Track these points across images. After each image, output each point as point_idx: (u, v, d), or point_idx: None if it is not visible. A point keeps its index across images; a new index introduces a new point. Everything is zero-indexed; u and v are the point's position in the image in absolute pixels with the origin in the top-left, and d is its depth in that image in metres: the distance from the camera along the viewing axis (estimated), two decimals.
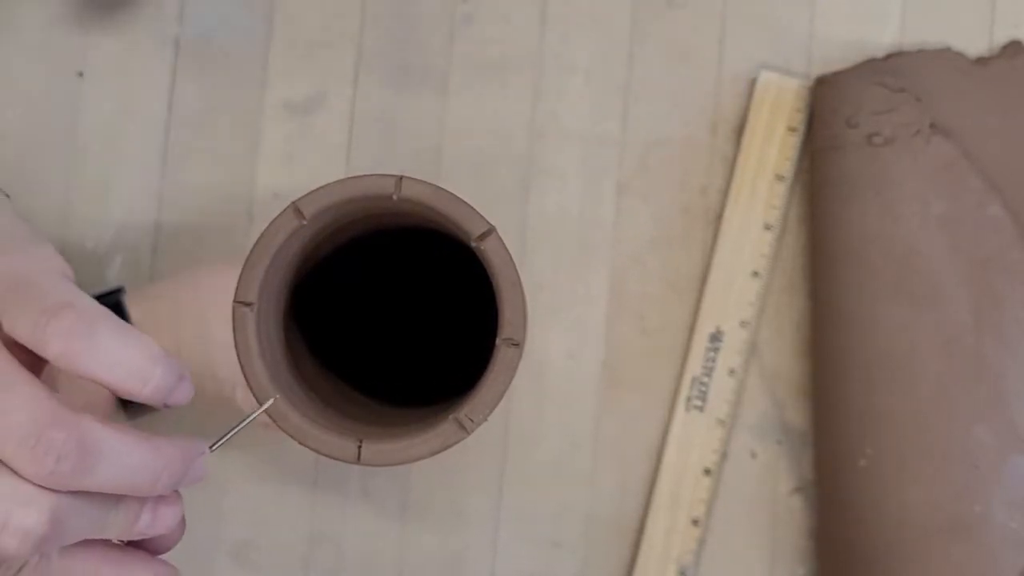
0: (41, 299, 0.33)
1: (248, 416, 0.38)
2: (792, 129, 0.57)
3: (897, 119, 0.54)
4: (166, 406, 0.35)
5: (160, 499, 0.35)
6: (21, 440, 0.31)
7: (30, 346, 0.33)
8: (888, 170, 0.54)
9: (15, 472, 0.32)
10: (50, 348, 0.33)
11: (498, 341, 0.39)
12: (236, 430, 0.38)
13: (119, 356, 0.33)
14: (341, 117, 0.58)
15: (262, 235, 0.39)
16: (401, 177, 0.39)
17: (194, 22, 0.59)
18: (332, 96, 0.58)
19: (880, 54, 0.57)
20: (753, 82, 0.58)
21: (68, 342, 0.33)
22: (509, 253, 0.39)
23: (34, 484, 0.32)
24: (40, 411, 0.32)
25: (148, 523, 0.35)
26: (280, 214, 0.39)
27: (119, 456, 0.33)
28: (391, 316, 0.55)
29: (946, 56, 0.56)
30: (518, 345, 0.39)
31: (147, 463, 0.33)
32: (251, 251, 0.39)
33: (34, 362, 0.34)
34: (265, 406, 0.38)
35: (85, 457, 0.32)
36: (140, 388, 0.33)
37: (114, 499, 0.34)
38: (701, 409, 0.56)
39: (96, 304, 0.34)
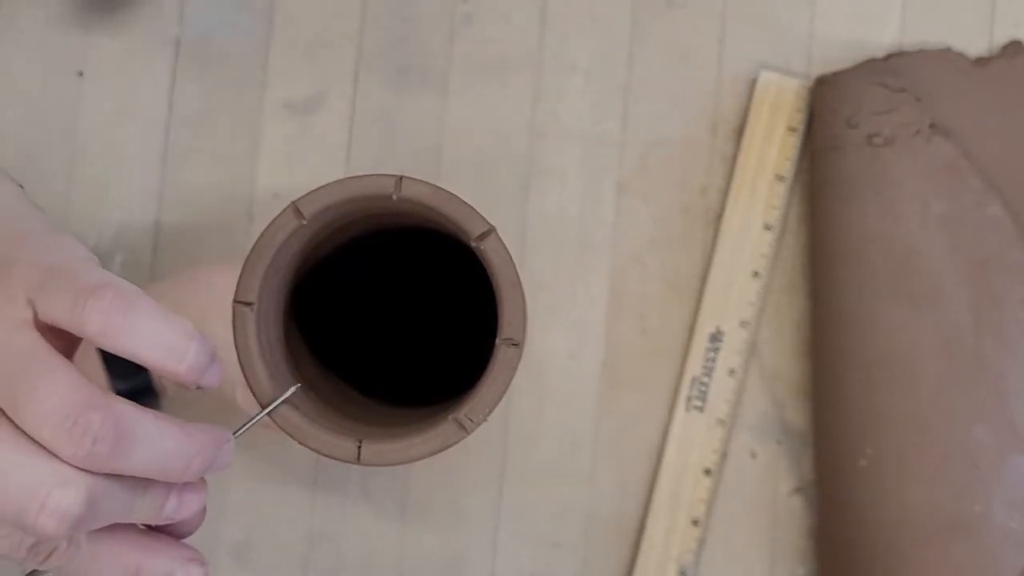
0: (77, 280, 0.34)
1: (271, 405, 0.38)
2: (792, 129, 0.57)
3: (897, 119, 0.54)
4: (198, 387, 0.35)
5: (186, 485, 0.35)
6: (59, 422, 0.32)
7: (68, 327, 0.34)
8: (888, 170, 0.54)
9: (52, 454, 0.32)
10: (89, 326, 0.33)
11: (498, 341, 0.39)
12: (257, 419, 0.38)
13: (157, 333, 0.33)
14: (341, 117, 0.58)
15: (262, 235, 0.39)
16: (401, 177, 0.39)
17: (194, 22, 0.59)
18: (332, 96, 0.58)
19: (880, 54, 0.57)
20: (753, 82, 0.58)
21: (107, 319, 0.33)
22: (509, 253, 0.39)
23: (71, 466, 0.32)
24: (77, 394, 0.32)
25: (174, 508, 0.35)
26: (280, 214, 0.39)
27: (153, 440, 0.33)
28: (391, 316, 0.55)
29: (946, 56, 0.56)
30: (518, 345, 0.39)
31: (180, 448, 0.34)
32: (251, 251, 0.39)
33: (66, 349, 0.34)
34: (289, 392, 0.39)
35: (120, 439, 0.32)
36: (177, 365, 0.34)
37: (144, 483, 0.34)
38: (701, 409, 0.56)
39: (130, 284, 0.34)
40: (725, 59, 0.58)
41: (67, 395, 0.32)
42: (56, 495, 0.32)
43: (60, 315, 0.33)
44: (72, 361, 0.34)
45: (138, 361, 0.34)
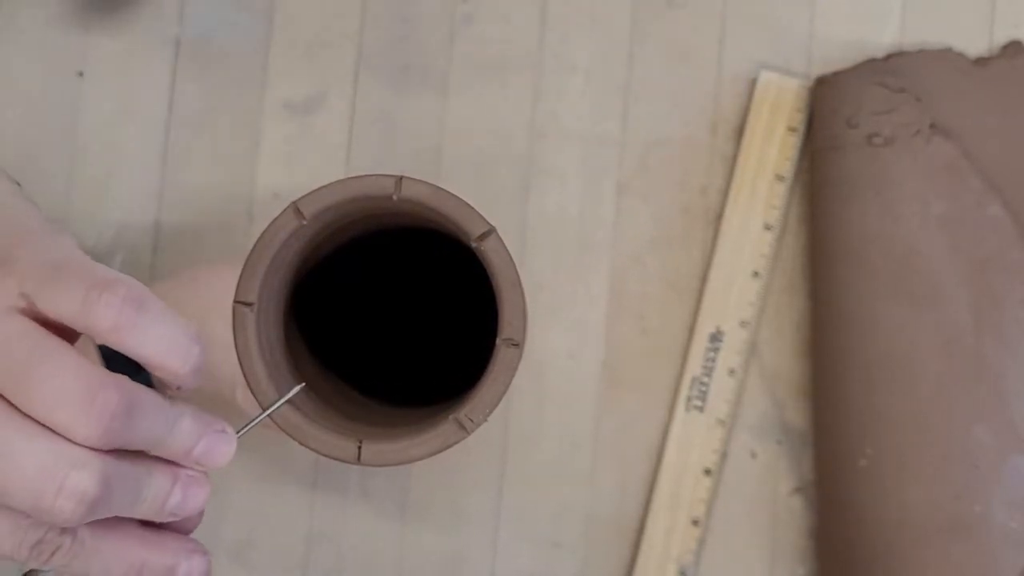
0: (86, 276, 0.33)
1: (273, 405, 0.38)
2: (792, 129, 0.57)
3: (897, 119, 0.54)
4: (178, 388, 0.35)
5: (190, 479, 0.35)
6: (75, 402, 0.32)
7: (74, 321, 0.33)
8: (888, 170, 0.54)
9: (60, 437, 0.32)
10: (101, 322, 0.33)
11: (498, 341, 0.39)
12: (259, 419, 0.38)
13: (165, 333, 0.33)
14: (341, 117, 0.58)
15: (262, 235, 0.39)
16: (401, 177, 0.39)
17: (194, 22, 0.59)
18: (332, 96, 0.58)
19: (880, 54, 0.57)
20: (753, 82, 0.58)
21: (120, 315, 0.33)
22: (509, 253, 0.39)
23: (84, 447, 0.32)
24: (87, 374, 0.32)
25: (178, 502, 0.35)
26: (280, 214, 0.39)
27: (158, 410, 0.33)
28: (391, 316, 0.55)
29: (946, 56, 0.56)
30: (518, 345, 0.39)
31: (188, 426, 0.34)
32: (251, 251, 0.39)
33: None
34: (295, 391, 0.39)
35: (132, 412, 0.32)
36: (180, 366, 0.34)
37: (147, 469, 0.34)
38: (701, 409, 0.56)
39: (138, 282, 0.34)
40: (725, 59, 0.58)
41: (77, 375, 0.32)
42: (73, 476, 0.32)
43: (68, 310, 0.33)
44: None
45: (143, 360, 0.34)
